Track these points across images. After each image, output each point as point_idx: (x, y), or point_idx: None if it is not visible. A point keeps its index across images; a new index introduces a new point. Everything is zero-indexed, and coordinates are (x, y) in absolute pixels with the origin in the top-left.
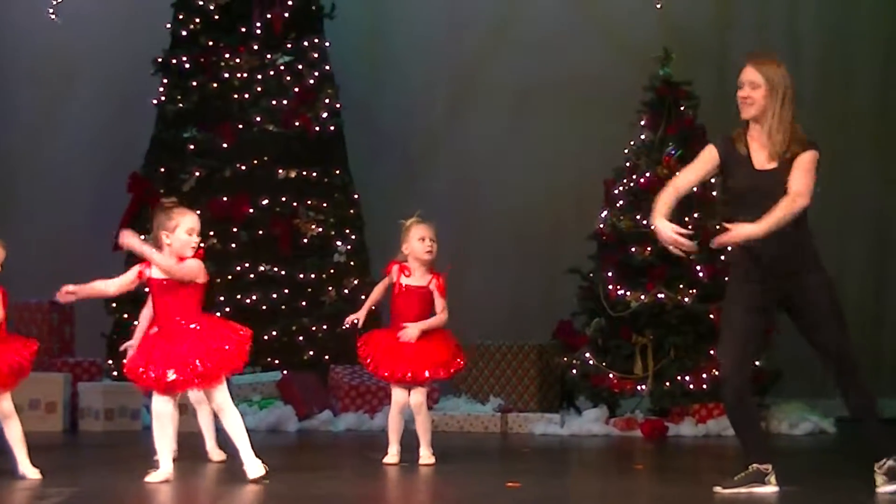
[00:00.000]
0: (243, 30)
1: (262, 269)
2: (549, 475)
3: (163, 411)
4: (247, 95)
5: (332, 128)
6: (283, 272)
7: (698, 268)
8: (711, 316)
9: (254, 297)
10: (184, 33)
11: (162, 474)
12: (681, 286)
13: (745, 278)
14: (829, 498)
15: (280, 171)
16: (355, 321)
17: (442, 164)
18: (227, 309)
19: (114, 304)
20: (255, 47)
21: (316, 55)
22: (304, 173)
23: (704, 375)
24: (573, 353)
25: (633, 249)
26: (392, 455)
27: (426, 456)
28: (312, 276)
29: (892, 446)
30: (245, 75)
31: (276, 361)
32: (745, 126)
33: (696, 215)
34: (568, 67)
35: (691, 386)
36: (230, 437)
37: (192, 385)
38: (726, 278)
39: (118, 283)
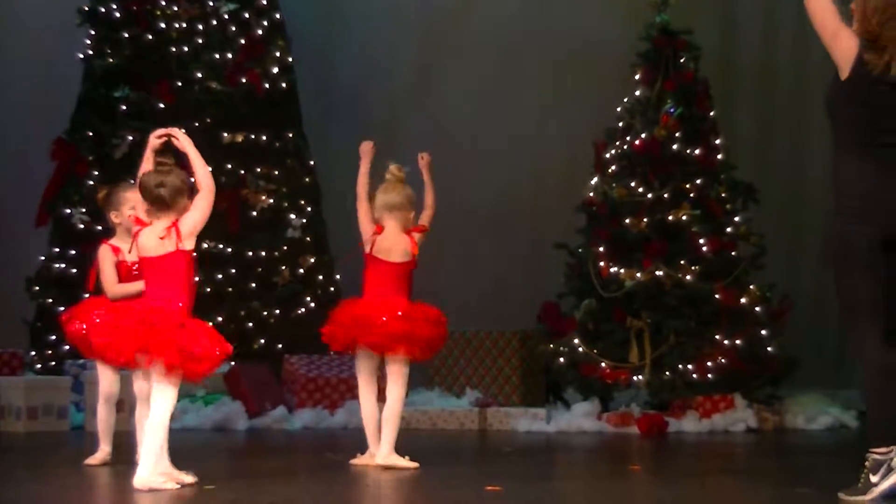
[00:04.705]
0: None
1: (205, 246)
2: (533, 477)
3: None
4: (186, 49)
5: (283, 85)
6: (229, 249)
7: (701, 241)
8: (717, 296)
9: (196, 279)
10: None
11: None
12: (681, 263)
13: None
14: None
15: (225, 134)
16: None
17: (410, 126)
18: None
19: (36, 288)
20: None
21: (265, 2)
22: (253, 137)
23: (709, 364)
24: (560, 339)
25: (627, 221)
26: (367, 455)
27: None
28: (263, 253)
29: None
30: (184, 26)
31: None
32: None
33: (698, 182)
34: (554, 15)
35: (694, 376)
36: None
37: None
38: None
39: None
